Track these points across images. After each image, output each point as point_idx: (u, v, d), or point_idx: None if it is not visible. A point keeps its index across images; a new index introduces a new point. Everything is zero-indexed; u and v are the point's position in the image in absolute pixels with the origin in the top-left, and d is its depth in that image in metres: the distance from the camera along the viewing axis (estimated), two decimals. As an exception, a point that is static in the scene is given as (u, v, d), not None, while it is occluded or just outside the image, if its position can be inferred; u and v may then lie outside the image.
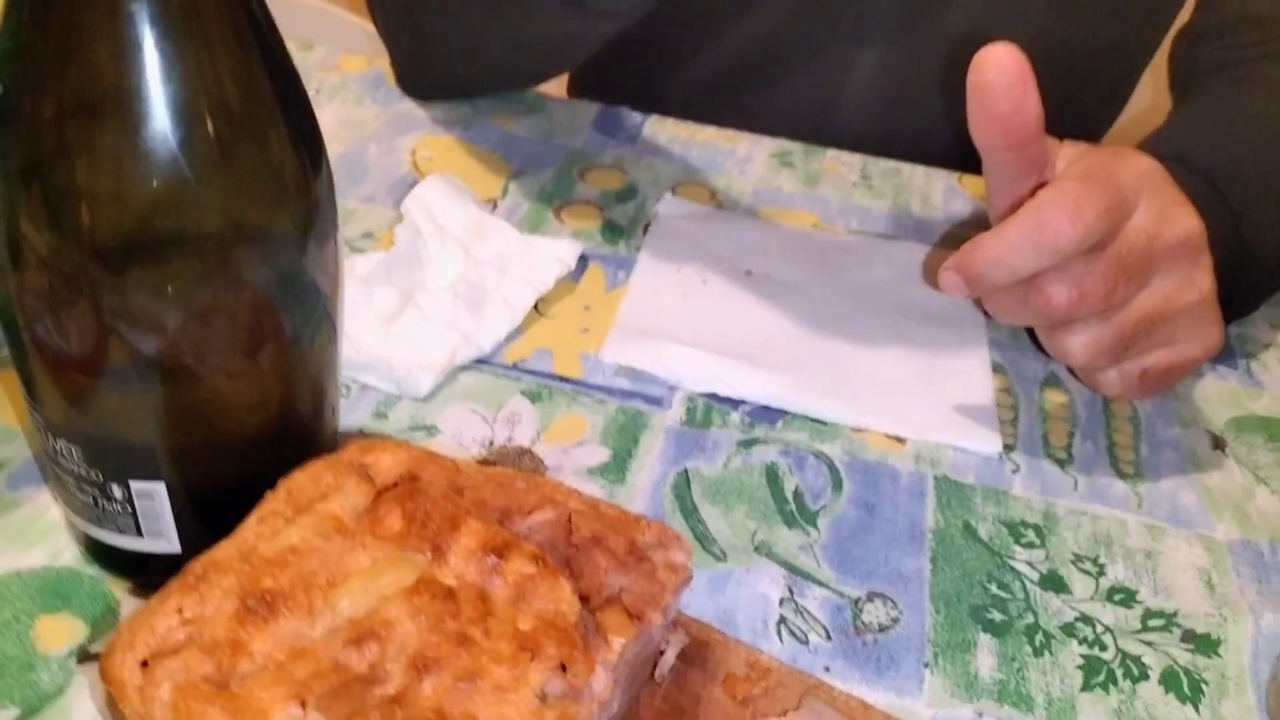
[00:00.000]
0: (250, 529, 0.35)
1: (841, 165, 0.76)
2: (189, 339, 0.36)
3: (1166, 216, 0.48)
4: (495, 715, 0.31)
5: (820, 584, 0.45)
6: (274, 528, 0.35)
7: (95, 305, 0.34)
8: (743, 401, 0.54)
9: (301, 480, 0.37)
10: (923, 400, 0.55)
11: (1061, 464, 0.53)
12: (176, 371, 0.36)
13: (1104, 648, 0.44)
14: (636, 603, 0.35)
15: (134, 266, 0.34)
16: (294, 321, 0.38)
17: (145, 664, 0.31)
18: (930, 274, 0.64)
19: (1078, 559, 0.48)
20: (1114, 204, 0.45)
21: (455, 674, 0.32)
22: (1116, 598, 0.46)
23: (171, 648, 0.32)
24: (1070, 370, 0.58)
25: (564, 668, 0.32)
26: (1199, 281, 0.49)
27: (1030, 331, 0.59)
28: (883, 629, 0.43)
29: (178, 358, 0.36)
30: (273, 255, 0.37)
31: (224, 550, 0.34)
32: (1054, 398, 0.57)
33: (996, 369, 0.58)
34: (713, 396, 0.54)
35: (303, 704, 0.30)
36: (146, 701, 0.30)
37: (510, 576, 0.35)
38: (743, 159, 0.75)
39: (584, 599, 0.35)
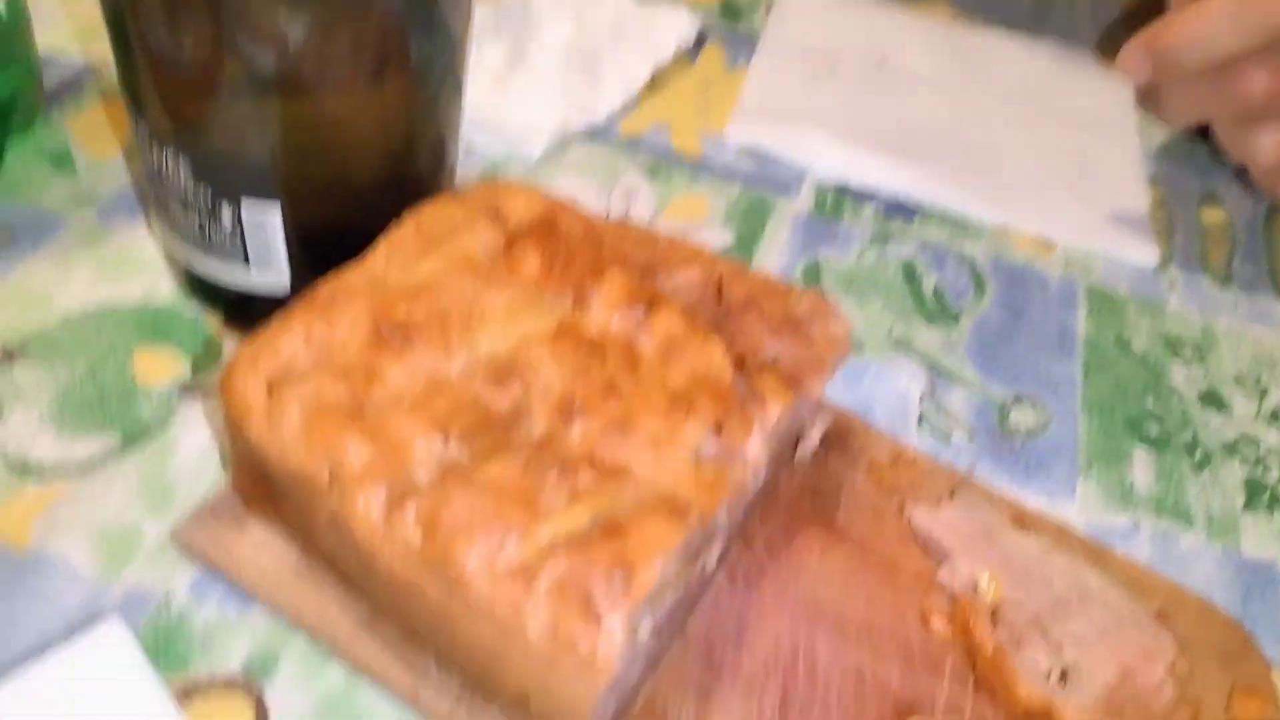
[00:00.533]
0: (379, 258, 0.32)
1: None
2: (311, 56, 0.32)
3: None
4: (650, 466, 0.28)
5: (964, 382, 0.42)
6: (405, 259, 0.32)
7: (213, 12, 0.30)
8: (876, 195, 0.50)
9: (432, 215, 0.34)
10: (1074, 204, 0.50)
11: (1221, 282, 0.48)
12: (294, 88, 0.32)
13: (1267, 468, 0.40)
14: (794, 370, 0.32)
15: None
16: (420, 52, 0.34)
17: (269, 388, 0.29)
18: (1074, 74, 0.58)
19: (1239, 379, 0.44)
20: None
21: (606, 420, 0.29)
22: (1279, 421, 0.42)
23: (299, 371, 0.29)
24: (1241, 179, 0.53)
25: (719, 429, 0.30)
26: None
27: (1201, 134, 0.54)
28: (1031, 433, 0.40)
29: (297, 73, 0.32)
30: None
31: (354, 276, 0.31)
32: (1212, 215, 0.52)
33: (1150, 182, 0.53)
34: (844, 189, 0.50)
35: (445, 436, 0.27)
36: (274, 425, 0.28)
37: (657, 332, 0.31)
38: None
39: (737, 363, 0.32)
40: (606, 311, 0.32)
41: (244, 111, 0.33)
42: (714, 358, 0.31)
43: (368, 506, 0.26)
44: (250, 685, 0.29)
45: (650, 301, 0.32)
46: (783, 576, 0.33)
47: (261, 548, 0.31)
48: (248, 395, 0.29)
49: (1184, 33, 0.41)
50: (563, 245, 0.33)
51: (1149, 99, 0.47)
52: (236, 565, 0.31)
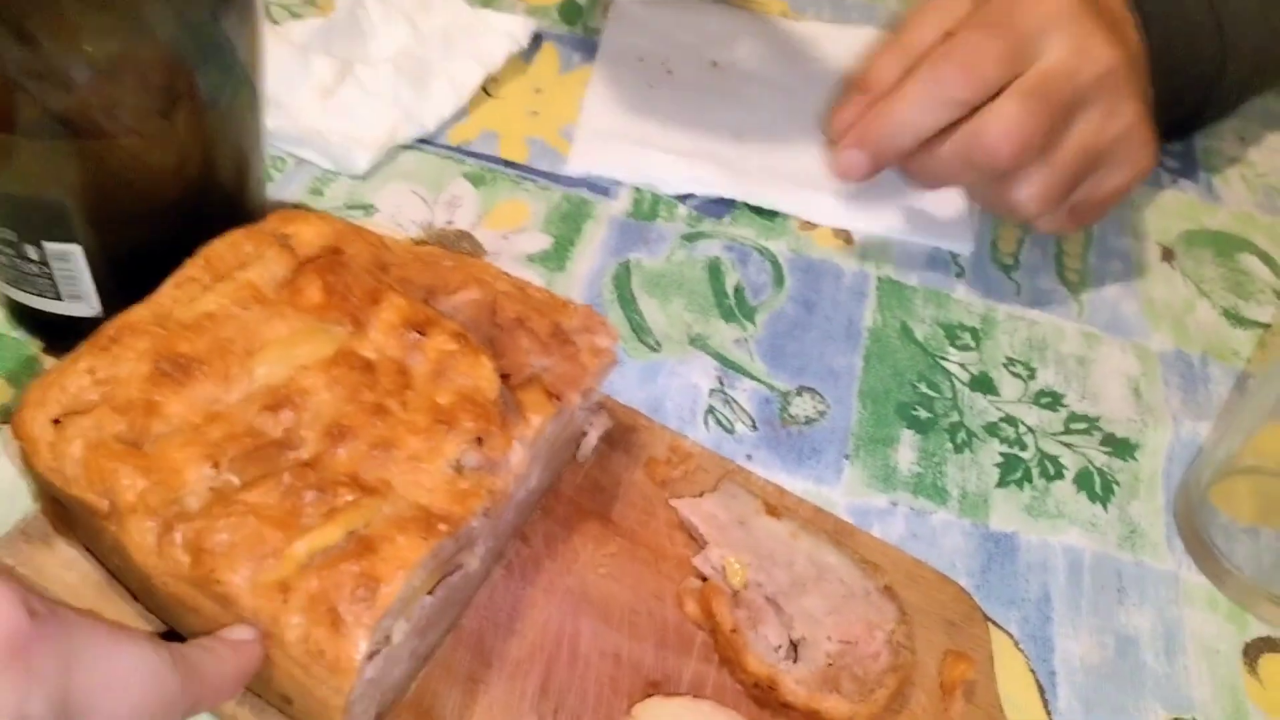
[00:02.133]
0: (166, 294, 0.35)
1: (818, -49, 0.72)
2: (98, 95, 0.34)
3: (1083, 50, 0.46)
4: (409, 482, 0.31)
5: (751, 377, 0.45)
6: (191, 293, 0.35)
7: (1, 59, 0.32)
8: (692, 194, 0.53)
9: (220, 248, 0.36)
10: (894, 196, 0.54)
11: (1007, 270, 0.53)
12: (86, 130, 0.35)
13: (1024, 447, 0.45)
14: (557, 383, 0.35)
15: (39, 17, 0.32)
16: (209, 82, 0.37)
17: (57, 422, 0.31)
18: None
19: (1010, 362, 0.48)
20: (1004, 54, 0.43)
21: (370, 442, 0.32)
22: (1043, 401, 0.47)
23: (83, 407, 0.31)
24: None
25: (480, 441, 0.33)
26: (1125, 110, 0.47)
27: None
28: (809, 421, 0.44)
29: (86, 115, 0.34)
30: (182, 7, 0.34)
31: (138, 313, 0.34)
32: (1008, 204, 0.56)
33: (954, 172, 0.57)
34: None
35: (215, 464, 0.30)
36: (58, 457, 0.31)
37: (430, 353, 0.35)
38: (714, -61, 0.71)
39: (505, 378, 0.35)
40: (383, 335, 0.35)
41: (38, 156, 0.35)
42: (482, 375, 0.35)
43: (141, 534, 0.29)
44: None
45: (425, 324, 0.35)
46: (557, 569, 0.37)
47: (69, 566, 0.34)
48: (34, 430, 0.31)
49: (891, 120, 0.44)
50: (345, 273, 0.36)
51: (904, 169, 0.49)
52: (46, 583, 0.33)
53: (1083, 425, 0.46)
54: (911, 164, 0.46)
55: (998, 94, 0.43)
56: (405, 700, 0.33)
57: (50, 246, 0.37)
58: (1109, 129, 0.47)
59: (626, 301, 0.47)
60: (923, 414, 0.45)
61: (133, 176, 0.37)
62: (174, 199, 0.39)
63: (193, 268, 0.35)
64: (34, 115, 0.34)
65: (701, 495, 0.39)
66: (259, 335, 0.34)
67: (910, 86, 0.44)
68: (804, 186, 0.54)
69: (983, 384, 0.47)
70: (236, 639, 0.29)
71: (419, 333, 0.35)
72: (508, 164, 0.53)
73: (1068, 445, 0.45)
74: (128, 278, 0.38)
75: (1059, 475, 0.44)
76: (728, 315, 0.48)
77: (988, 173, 0.45)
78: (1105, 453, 0.45)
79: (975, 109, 0.44)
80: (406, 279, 0.37)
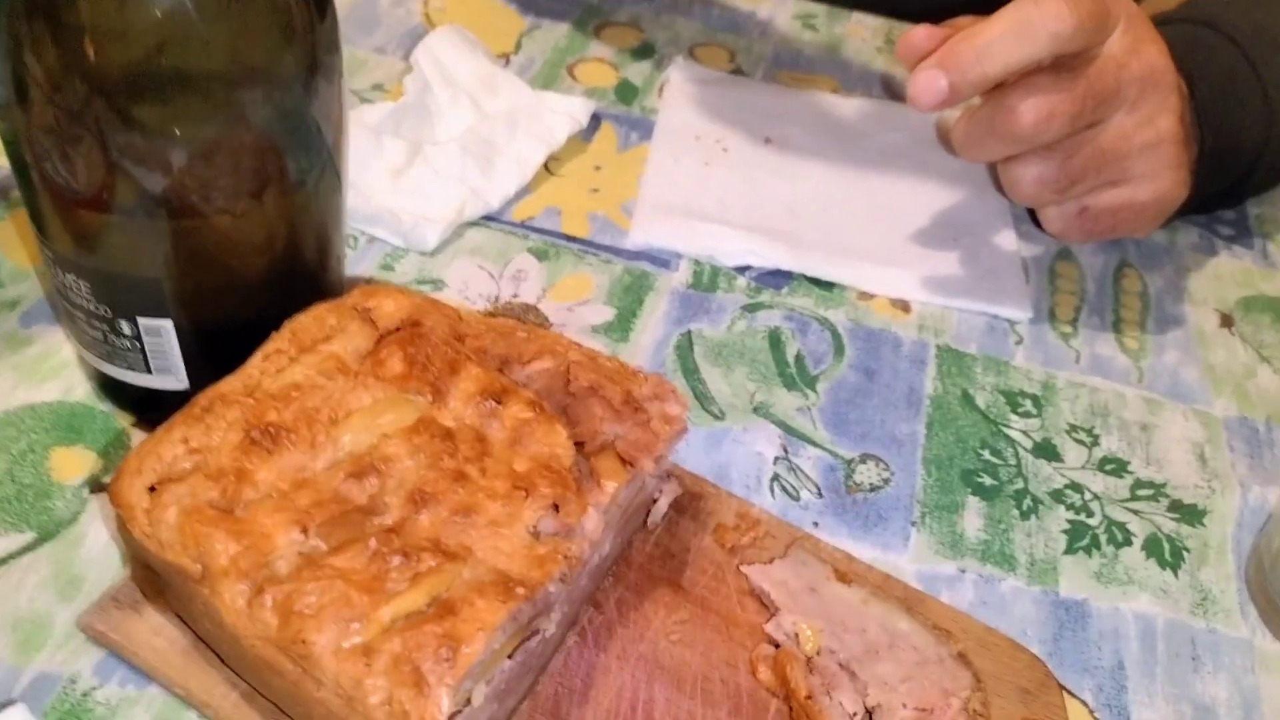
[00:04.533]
0: (255, 366, 0.36)
1: (865, 29, 0.74)
2: (193, 178, 0.36)
3: (1138, 48, 0.47)
4: (489, 547, 0.32)
5: (815, 444, 0.46)
6: (278, 365, 0.36)
7: (100, 142, 0.34)
8: (750, 266, 0.54)
9: (305, 321, 0.38)
10: (950, 265, 0.55)
11: (1065, 337, 0.53)
12: (180, 210, 0.36)
13: (1090, 514, 0.45)
14: (630, 450, 0.36)
15: (138, 104, 0.34)
16: (298, 165, 0.38)
17: (152, 489, 0.33)
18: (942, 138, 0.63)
19: (1073, 429, 0.48)
20: (1100, 10, 0.44)
21: (451, 508, 0.33)
22: (1108, 467, 0.47)
23: (178, 474, 0.33)
24: (1033, 219, 0.58)
25: (557, 508, 0.34)
26: (1160, 122, 0.48)
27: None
28: (874, 489, 0.44)
29: (182, 196, 0.36)
30: (276, 96, 0.36)
31: (229, 384, 0.35)
32: (1065, 269, 0.57)
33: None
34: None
35: (304, 530, 0.31)
36: (154, 524, 0.32)
37: (507, 421, 0.36)
38: (764, 20, 0.73)
39: (579, 445, 0.36)
40: (462, 404, 0.36)
41: (134, 236, 0.37)
42: (557, 442, 0.36)
43: (233, 597, 0.30)
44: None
45: (502, 393, 0.36)
46: (630, 635, 0.37)
47: (157, 632, 0.35)
48: (131, 497, 0.32)
49: (975, 44, 0.44)
50: (424, 344, 0.37)
51: (945, 139, 0.50)
52: (135, 648, 0.34)
53: (1149, 492, 0.46)
54: (960, 128, 0.47)
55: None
56: (484, 766, 0.33)
57: (143, 322, 0.38)
58: (1138, 136, 0.47)
59: (690, 371, 0.48)
60: (987, 481, 0.45)
61: (223, 254, 0.39)
62: (260, 275, 0.40)
63: (280, 340, 0.37)
64: (132, 196, 0.36)
65: (771, 562, 0.39)
66: (343, 405, 0.35)
67: (1009, 12, 0.44)
68: (861, 258, 0.55)
69: (1046, 451, 0.47)
70: None
71: (496, 401, 0.36)
72: (570, 239, 0.54)
73: (1135, 512, 0.45)
74: (214, 352, 0.40)
75: (1127, 542, 0.44)
76: (790, 384, 0.48)
77: (1006, 141, 0.46)
78: (1173, 519, 0.45)
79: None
80: (482, 349, 0.39)
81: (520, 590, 0.31)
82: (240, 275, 0.40)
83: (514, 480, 0.34)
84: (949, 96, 0.45)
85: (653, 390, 0.38)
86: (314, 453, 0.34)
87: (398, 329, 0.38)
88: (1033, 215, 0.57)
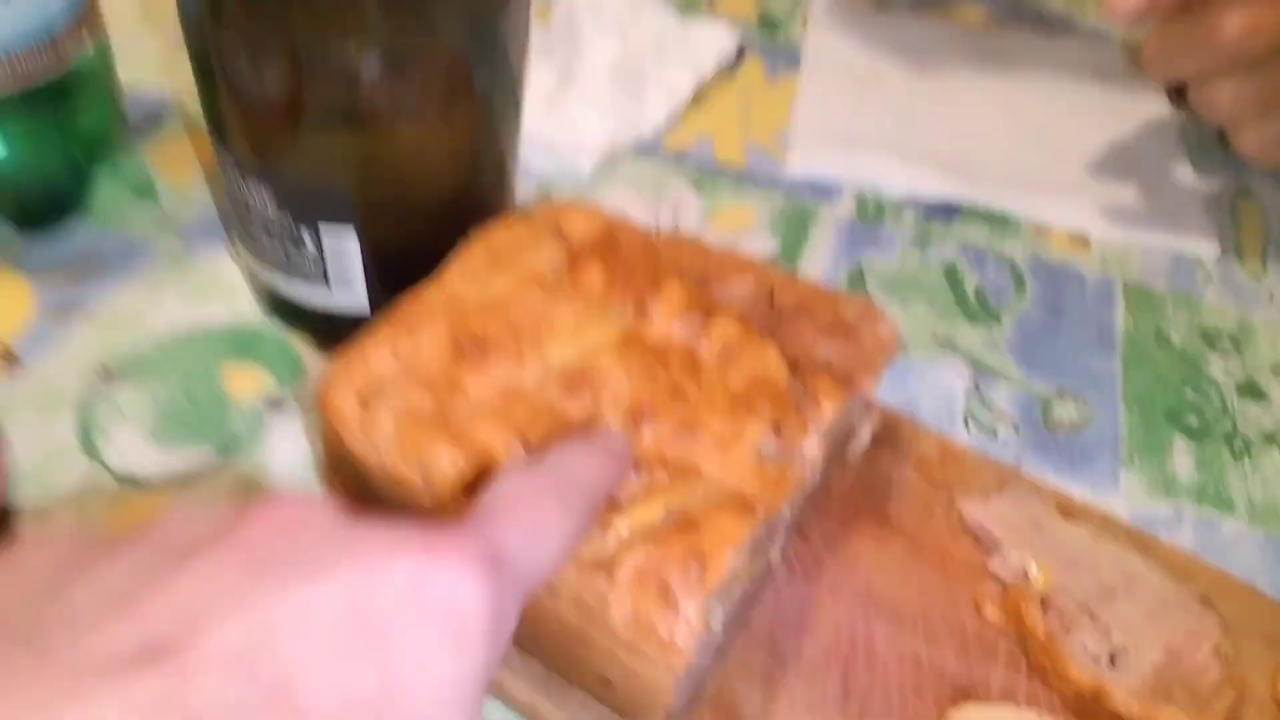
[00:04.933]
0: (454, 277, 0.34)
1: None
2: (384, 89, 0.34)
3: None
4: (717, 464, 0.30)
5: (1008, 378, 0.43)
6: (476, 277, 0.34)
7: (291, 48, 0.32)
8: (916, 198, 0.51)
9: (499, 234, 0.36)
10: (1129, 198, 0.52)
11: (1256, 275, 0.50)
12: (370, 121, 0.35)
13: (1307, 457, 0.42)
14: (846, 370, 0.34)
15: (333, 13, 0.32)
16: (483, 81, 0.37)
17: (362, 399, 0.31)
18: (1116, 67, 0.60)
19: (1276, 369, 0.45)
20: None
21: (673, 424, 0.31)
22: (1319, 410, 0.44)
23: (387, 384, 0.31)
24: (1222, 143, 0.54)
25: (778, 428, 0.31)
26: None
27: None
28: (1075, 426, 0.42)
29: (372, 107, 0.34)
30: (469, 12, 0.34)
31: (430, 295, 0.33)
32: (1247, 208, 0.53)
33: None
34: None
35: (526, 441, 0.30)
36: (369, 433, 0.30)
37: (715, 338, 0.33)
38: (903, -46, 0.70)
39: (791, 365, 0.34)
40: (667, 320, 0.34)
41: (322, 143, 0.35)
42: (770, 362, 0.33)
43: (459, 509, 0.29)
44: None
45: (707, 309, 0.34)
46: (840, 569, 0.35)
47: (353, 550, 0.33)
48: (343, 408, 0.31)
49: None
50: (622, 259, 0.35)
51: (1136, 57, 0.47)
52: (330, 567, 0.33)
53: (1366, 436, 0.43)
54: (1155, 39, 0.44)
55: None
56: (705, 699, 0.31)
57: (325, 230, 0.37)
58: None
59: (866, 303, 0.46)
60: (1194, 421, 0.42)
61: (407, 167, 0.37)
62: (441, 193, 0.39)
63: (475, 253, 0.35)
64: (321, 105, 0.34)
65: (989, 497, 0.36)
66: (546, 318, 0.33)
67: None
68: (1034, 189, 0.52)
69: (1251, 391, 0.44)
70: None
71: (704, 316, 0.34)
72: (727, 168, 0.52)
73: (1354, 456, 0.42)
74: (392, 270, 0.38)
75: (1350, 487, 0.41)
76: (973, 317, 0.46)
77: (1207, 54, 0.43)
78: (1397, 465, 0.42)
79: None
80: (679, 266, 0.36)
81: (760, 509, 0.29)
82: (423, 191, 0.38)
83: (732, 398, 0.32)
84: (1148, 5, 0.42)
85: (860, 311, 0.36)
86: (521, 366, 0.32)
87: (593, 243, 0.36)
88: (1222, 142, 0.54)
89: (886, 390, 0.42)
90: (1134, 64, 0.58)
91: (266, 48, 0.33)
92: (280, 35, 0.32)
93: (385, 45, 0.33)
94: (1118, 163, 0.54)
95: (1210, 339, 0.46)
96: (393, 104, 0.35)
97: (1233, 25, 0.43)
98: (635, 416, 0.31)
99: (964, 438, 0.41)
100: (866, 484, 0.38)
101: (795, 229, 0.49)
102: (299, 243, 0.37)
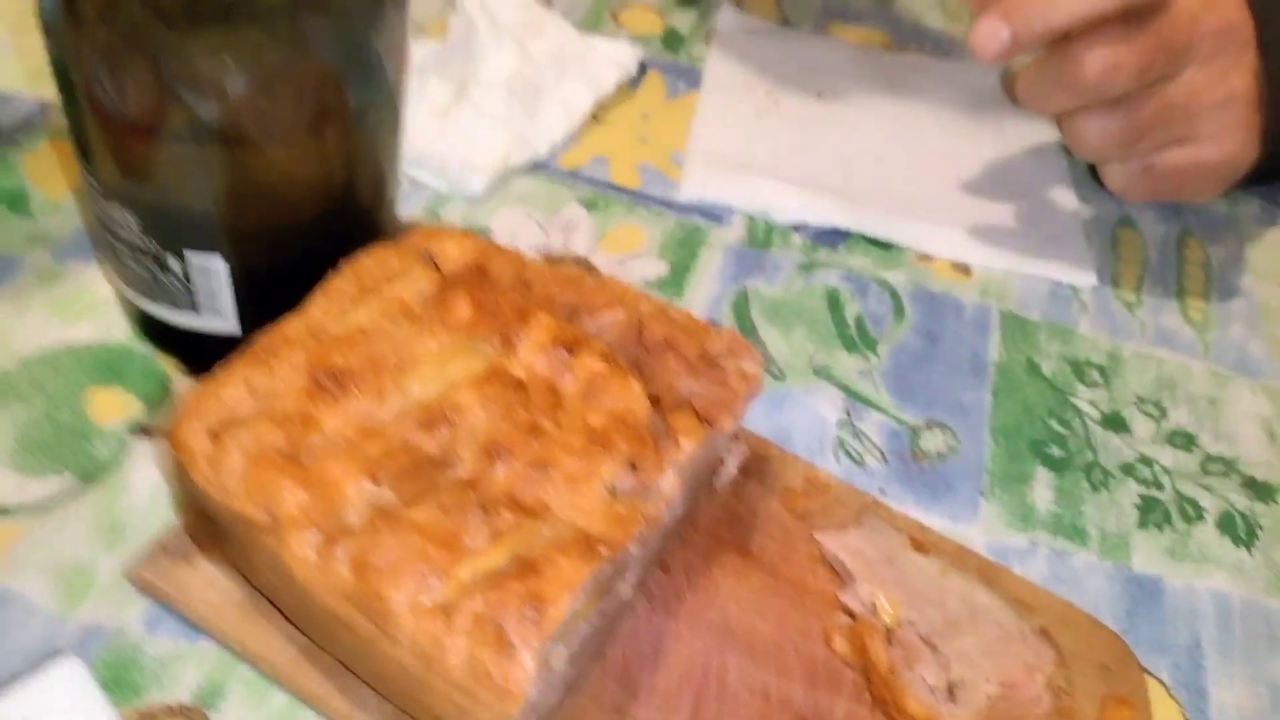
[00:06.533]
0: (317, 306, 0.34)
1: (915, -14, 0.71)
2: (252, 107, 0.34)
3: (1214, 1, 0.45)
4: (566, 504, 0.31)
5: (879, 409, 0.44)
6: (341, 307, 0.34)
7: (154, 66, 0.32)
8: (805, 224, 0.52)
9: (367, 262, 0.36)
10: (1011, 228, 0.53)
11: (1130, 306, 0.51)
12: (238, 140, 0.34)
13: (1161, 488, 0.43)
14: (708, 408, 0.35)
15: (197, 26, 0.32)
16: (357, 99, 0.36)
17: (213, 436, 0.31)
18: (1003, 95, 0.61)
19: (1140, 401, 0.47)
20: None
21: (527, 461, 0.31)
22: (1177, 441, 0.45)
23: (240, 419, 0.31)
24: (1093, 175, 0.56)
25: (634, 466, 0.32)
26: (1232, 80, 0.46)
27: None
28: (940, 456, 0.43)
29: (238, 126, 0.34)
30: (341, 24, 0.34)
31: (291, 326, 0.33)
32: (1128, 237, 0.55)
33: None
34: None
35: (375, 479, 0.30)
36: (216, 469, 0.30)
37: (580, 373, 0.34)
38: (811, -28, 0.71)
39: (654, 401, 0.34)
40: (533, 354, 0.34)
41: (186, 165, 0.35)
42: (632, 397, 0.34)
43: (302, 548, 0.29)
44: (199, 713, 0.31)
45: (574, 343, 0.34)
46: (698, 600, 0.36)
47: (210, 584, 0.33)
48: (192, 442, 0.31)
49: None
50: (492, 290, 0.35)
51: (1009, 87, 0.49)
52: (187, 600, 0.33)
53: (1220, 468, 0.44)
54: (1024, 78, 0.45)
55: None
56: (554, 731, 0.32)
57: (193, 256, 0.36)
58: (1209, 94, 0.46)
59: (747, 330, 0.47)
60: (1056, 452, 0.44)
61: (277, 189, 0.37)
62: (315, 214, 0.38)
63: (341, 280, 0.35)
64: (185, 123, 0.33)
65: (845, 529, 0.37)
66: (410, 351, 0.33)
67: None
68: (919, 218, 0.53)
69: (1114, 423, 0.46)
70: None
71: (568, 351, 0.34)
72: (620, 189, 0.52)
73: (1206, 488, 0.44)
74: (264, 293, 0.38)
75: (1200, 518, 0.42)
76: (850, 345, 0.47)
77: (1071, 92, 0.44)
78: (1245, 496, 0.44)
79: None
80: (549, 297, 0.37)
81: (602, 549, 0.29)
82: (294, 212, 0.38)
83: (590, 435, 0.32)
84: (1011, 48, 0.44)
85: (727, 346, 0.37)
86: (381, 400, 0.32)
87: (463, 273, 0.36)
88: (1093, 173, 0.55)
89: (760, 418, 0.43)
90: (1009, 95, 0.60)
91: (125, 61, 0.32)
92: (140, 48, 0.31)
93: (251, 60, 0.33)
94: (1003, 190, 0.56)
95: (1079, 370, 0.48)
96: (260, 123, 0.34)
97: (1093, 63, 0.44)
98: (490, 454, 0.31)
99: (833, 467, 0.42)
100: (731, 515, 0.38)
101: (685, 252, 0.50)
102: (165, 268, 0.37)
